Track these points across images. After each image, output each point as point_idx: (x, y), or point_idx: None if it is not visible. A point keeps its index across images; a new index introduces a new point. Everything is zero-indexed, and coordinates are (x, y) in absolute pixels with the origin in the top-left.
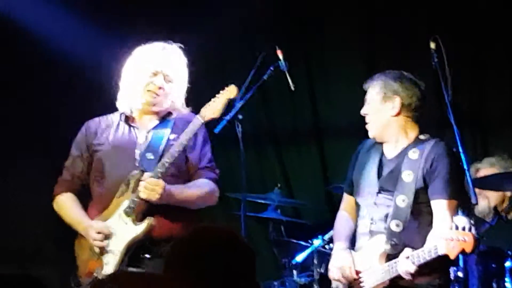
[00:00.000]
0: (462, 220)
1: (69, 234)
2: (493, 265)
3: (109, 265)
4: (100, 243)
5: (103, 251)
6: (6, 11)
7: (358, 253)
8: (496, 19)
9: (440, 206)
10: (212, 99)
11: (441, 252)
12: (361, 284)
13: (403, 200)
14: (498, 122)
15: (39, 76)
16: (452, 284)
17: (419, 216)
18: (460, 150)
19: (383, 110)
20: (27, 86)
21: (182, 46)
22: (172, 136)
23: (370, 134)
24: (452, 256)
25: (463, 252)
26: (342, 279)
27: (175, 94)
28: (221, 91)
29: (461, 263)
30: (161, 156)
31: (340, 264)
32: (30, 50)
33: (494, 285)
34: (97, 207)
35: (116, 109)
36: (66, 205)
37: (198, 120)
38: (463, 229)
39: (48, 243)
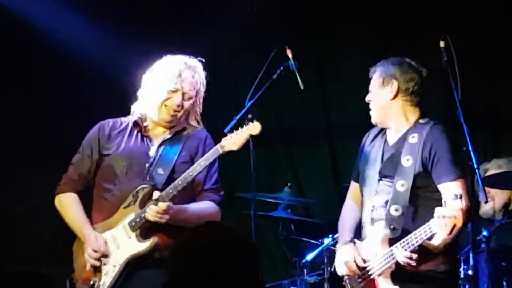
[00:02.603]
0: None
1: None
2: (503, 263)
3: (108, 275)
4: (93, 261)
5: (101, 266)
6: (25, 15)
7: (363, 242)
8: (507, 18)
9: (449, 188)
10: (235, 131)
11: (435, 230)
12: (369, 272)
13: (402, 184)
14: (509, 121)
15: (48, 77)
16: (463, 283)
17: (418, 200)
18: (470, 149)
19: (382, 94)
20: (37, 87)
21: (202, 60)
22: (184, 153)
23: (373, 120)
24: (447, 233)
25: (454, 227)
26: (350, 273)
27: (192, 111)
28: (245, 125)
29: (471, 261)
30: (171, 172)
31: (344, 259)
32: (36, 48)
33: (505, 283)
34: (101, 213)
35: (129, 113)
36: (69, 206)
37: (217, 151)
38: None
39: (58, 243)
